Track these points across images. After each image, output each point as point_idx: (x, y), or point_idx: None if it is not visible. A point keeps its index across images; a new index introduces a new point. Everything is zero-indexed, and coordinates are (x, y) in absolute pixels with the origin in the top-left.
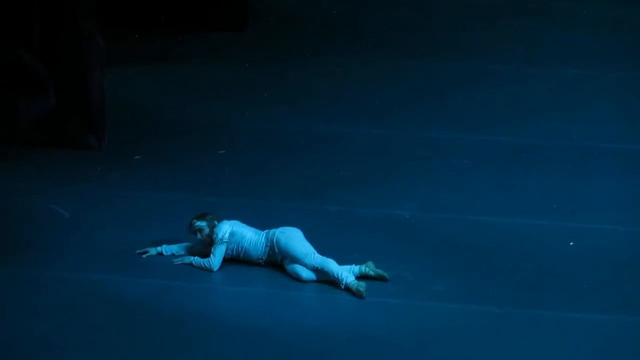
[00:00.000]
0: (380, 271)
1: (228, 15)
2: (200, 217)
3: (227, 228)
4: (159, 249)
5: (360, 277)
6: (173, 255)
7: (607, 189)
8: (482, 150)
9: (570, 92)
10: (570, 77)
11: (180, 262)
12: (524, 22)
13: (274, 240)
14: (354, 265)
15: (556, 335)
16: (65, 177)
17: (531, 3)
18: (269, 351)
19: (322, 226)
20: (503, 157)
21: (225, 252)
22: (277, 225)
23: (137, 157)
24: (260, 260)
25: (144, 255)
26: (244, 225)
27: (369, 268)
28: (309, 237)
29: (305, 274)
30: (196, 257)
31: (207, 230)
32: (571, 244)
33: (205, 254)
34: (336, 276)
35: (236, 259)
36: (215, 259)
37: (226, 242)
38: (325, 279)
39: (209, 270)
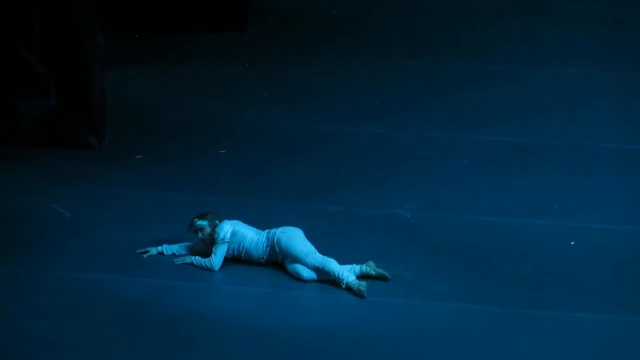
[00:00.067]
0: (381, 271)
1: (228, 15)
2: (202, 216)
3: (228, 228)
4: (159, 248)
5: (361, 276)
6: (174, 255)
7: (608, 189)
8: (483, 150)
9: (570, 92)
10: (570, 77)
11: (181, 261)
12: (524, 22)
13: (275, 240)
14: (354, 264)
15: (556, 335)
16: (65, 177)
17: (531, 3)
18: (269, 351)
19: (322, 226)
20: (503, 157)
21: (227, 252)
22: (277, 225)
23: (137, 157)
24: (261, 260)
25: (144, 255)
26: (245, 225)
27: (369, 268)
28: (310, 236)
29: (306, 273)
30: (197, 257)
31: (208, 230)
32: (572, 243)
33: (206, 254)
34: (337, 276)
35: (237, 259)
36: (217, 259)
37: (227, 241)
38: (326, 279)
39: (210, 269)
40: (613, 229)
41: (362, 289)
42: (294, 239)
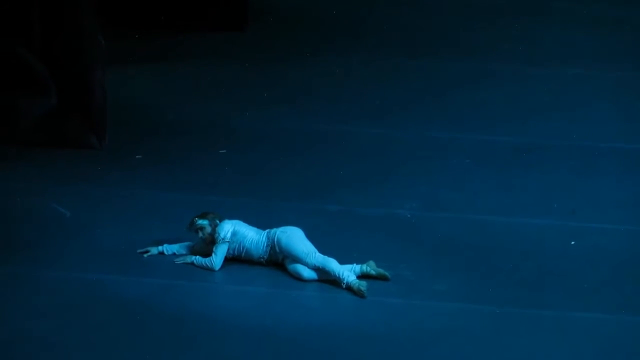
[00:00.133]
0: (381, 270)
1: (228, 15)
2: (202, 216)
3: (229, 227)
4: (160, 248)
5: (362, 276)
6: (174, 254)
7: (608, 189)
8: (483, 149)
9: (571, 91)
10: (570, 77)
11: (181, 261)
12: (524, 22)
13: (275, 240)
14: (355, 264)
15: (557, 335)
16: (66, 176)
17: (531, 3)
18: (270, 350)
19: (322, 226)
20: (503, 156)
21: (227, 252)
22: (278, 225)
23: (138, 156)
24: (262, 260)
25: (145, 255)
26: (246, 224)
27: (370, 267)
28: (310, 236)
29: (307, 273)
30: (197, 257)
31: (208, 229)
32: (572, 243)
33: (207, 253)
34: (337, 275)
35: (237, 259)
36: (217, 258)
37: (228, 241)
38: (327, 279)
39: (210, 269)
40: (613, 228)
41: (363, 288)
42: (294, 238)
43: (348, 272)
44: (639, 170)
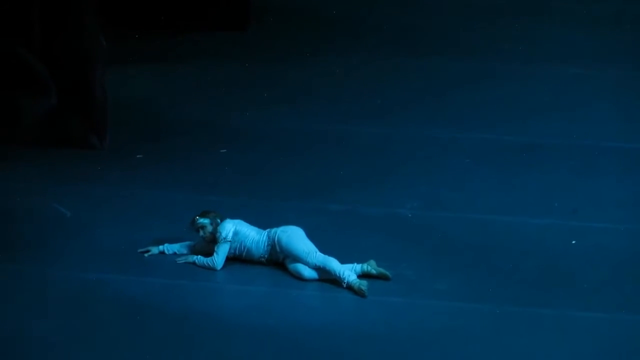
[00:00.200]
0: (382, 270)
1: (230, 15)
2: (203, 215)
3: (230, 227)
4: (160, 247)
5: (362, 275)
6: (175, 254)
7: (608, 188)
8: (483, 149)
9: (571, 91)
10: (571, 77)
11: (183, 261)
12: (524, 22)
13: (276, 239)
14: (355, 263)
15: (557, 334)
16: (67, 176)
17: (531, 3)
18: (271, 349)
19: (323, 225)
20: (504, 156)
21: (228, 251)
22: (278, 225)
23: (138, 156)
24: (262, 259)
25: (146, 254)
26: (247, 224)
27: (370, 267)
28: (311, 236)
29: (307, 272)
30: (199, 256)
31: (209, 228)
32: (573, 242)
33: (208, 252)
34: (338, 275)
35: (238, 258)
36: (219, 258)
37: (230, 241)
38: (327, 278)
39: (212, 269)
40: (614, 228)
41: (363, 288)
42: (295, 238)
43: (349, 272)
44: (639, 169)
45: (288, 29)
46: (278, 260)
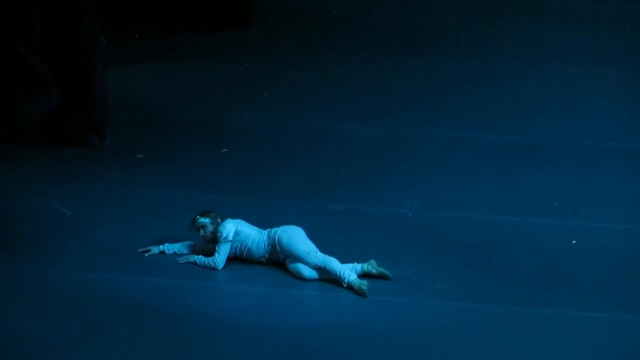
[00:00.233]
0: (382, 269)
1: (231, 14)
2: (204, 214)
3: (231, 227)
4: (161, 247)
5: (363, 275)
6: (175, 253)
7: (609, 187)
8: (483, 149)
9: (571, 90)
10: (571, 76)
11: (184, 260)
12: (524, 22)
13: (276, 239)
14: (356, 263)
15: (557, 333)
16: (67, 175)
17: (531, 2)
18: (271, 349)
19: (323, 225)
20: (504, 156)
21: (229, 251)
22: (278, 224)
23: (138, 155)
24: (263, 259)
25: (146, 254)
26: (247, 224)
27: (371, 266)
28: (311, 235)
29: (308, 272)
30: (200, 256)
31: (210, 227)
32: (573, 242)
33: (208, 252)
34: (338, 274)
35: (238, 258)
36: (220, 258)
37: (231, 240)
38: (328, 278)
39: (213, 268)
40: (614, 227)
41: (364, 287)
42: (295, 238)
43: (349, 271)
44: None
45: (288, 29)
46: (278, 260)
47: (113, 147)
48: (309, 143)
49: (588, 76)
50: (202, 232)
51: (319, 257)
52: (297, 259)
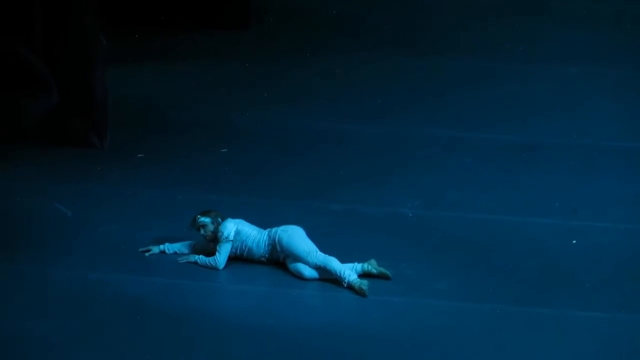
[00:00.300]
0: (382, 269)
1: (231, 14)
2: (205, 213)
3: (232, 227)
4: (161, 247)
5: (363, 275)
6: (175, 253)
7: (609, 187)
8: (484, 148)
9: (571, 90)
10: (571, 76)
11: (185, 260)
12: (525, 21)
13: (276, 239)
14: (356, 263)
15: (558, 333)
16: (67, 175)
17: (531, 2)
18: (271, 349)
19: (324, 224)
20: (504, 155)
21: (230, 251)
22: (278, 224)
23: (139, 155)
24: (263, 259)
25: (146, 254)
26: (248, 223)
27: (371, 266)
28: (311, 235)
29: (308, 272)
30: (201, 256)
31: (211, 227)
32: (574, 242)
33: (208, 252)
34: (338, 274)
35: (239, 258)
36: (221, 257)
37: (232, 240)
38: (328, 277)
39: (214, 268)
40: (614, 227)
41: (364, 287)
42: (295, 237)
43: (349, 271)
44: None
45: (288, 29)
46: (278, 259)
47: (113, 146)
48: (309, 143)
49: (588, 76)
50: (202, 231)
51: (319, 256)
52: (298, 258)
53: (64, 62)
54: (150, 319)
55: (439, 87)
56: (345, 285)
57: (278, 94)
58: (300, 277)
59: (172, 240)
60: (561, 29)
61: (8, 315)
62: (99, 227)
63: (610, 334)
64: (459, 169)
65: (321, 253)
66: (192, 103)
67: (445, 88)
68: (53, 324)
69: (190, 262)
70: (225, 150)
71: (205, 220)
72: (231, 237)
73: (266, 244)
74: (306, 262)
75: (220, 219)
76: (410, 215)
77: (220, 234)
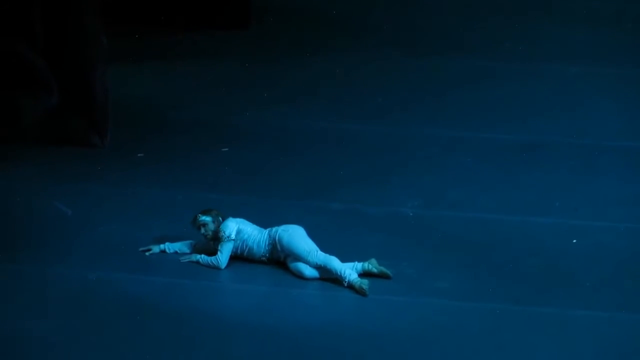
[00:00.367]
0: (383, 268)
1: (231, 14)
2: (206, 212)
3: (234, 226)
4: (162, 246)
5: (363, 274)
6: (176, 252)
7: (609, 186)
8: (484, 148)
9: (572, 90)
10: (571, 76)
11: (187, 259)
12: (525, 21)
13: (277, 238)
14: (356, 262)
15: (558, 332)
16: (68, 175)
17: (531, 1)
18: (272, 348)
19: (324, 224)
20: (504, 155)
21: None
22: (279, 223)
23: (139, 155)
24: (263, 258)
25: (147, 253)
26: (249, 223)
27: (371, 265)
28: (312, 234)
29: (308, 271)
30: (203, 255)
31: (211, 226)
32: (574, 241)
33: (209, 251)
34: (339, 274)
35: (239, 257)
36: (223, 257)
37: (233, 239)
38: (328, 277)
39: (216, 268)
40: (614, 226)
41: (364, 286)
42: (296, 237)
43: (350, 270)
44: None
45: (288, 29)
46: (279, 259)
47: (113, 146)
48: (309, 143)
49: (588, 76)
50: (203, 230)
51: (319, 256)
52: (298, 258)
53: (65, 62)
54: (150, 318)
55: (439, 87)
56: (346, 284)
57: (278, 94)
58: (300, 276)
59: (173, 239)
60: (561, 29)
61: (8, 315)
62: (99, 227)
63: (610, 334)
64: (459, 168)
65: (322, 252)
66: (192, 103)
67: (445, 88)
68: (53, 324)
69: (192, 262)
70: (226, 150)
71: (206, 219)
72: (233, 237)
73: (267, 243)
74: (307, 262)
75: (221, 218)
76: (411, 214)
77: (222, 233)
